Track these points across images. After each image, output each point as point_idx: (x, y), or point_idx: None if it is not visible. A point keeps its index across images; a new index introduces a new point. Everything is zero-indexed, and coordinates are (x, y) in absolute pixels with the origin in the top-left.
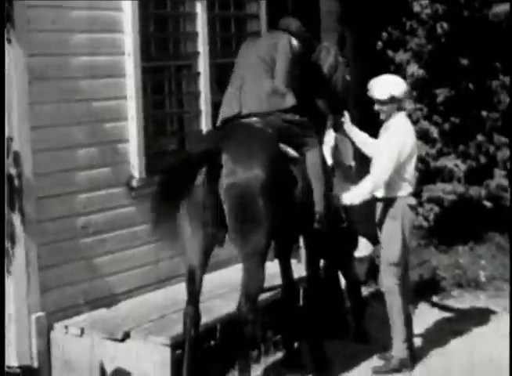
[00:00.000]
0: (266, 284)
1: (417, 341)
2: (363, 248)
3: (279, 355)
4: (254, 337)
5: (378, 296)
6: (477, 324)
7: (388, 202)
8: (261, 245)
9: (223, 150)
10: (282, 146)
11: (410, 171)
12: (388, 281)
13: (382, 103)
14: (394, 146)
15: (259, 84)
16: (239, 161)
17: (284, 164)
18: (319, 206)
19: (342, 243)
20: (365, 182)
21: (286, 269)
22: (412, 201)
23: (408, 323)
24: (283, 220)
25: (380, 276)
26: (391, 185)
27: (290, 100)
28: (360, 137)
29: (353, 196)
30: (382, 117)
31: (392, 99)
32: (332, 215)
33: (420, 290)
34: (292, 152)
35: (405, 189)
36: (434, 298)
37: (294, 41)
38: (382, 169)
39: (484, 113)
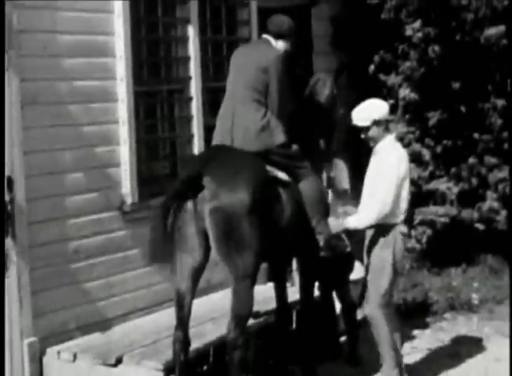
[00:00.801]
0: (260, 308)
1: (411, 365)
2: (357, 271)
3: None
4: (244, 361)
5: None
6: (471, 347)
7: (381, 229)
8: (248, 269)
9: (204, 173)
10: (270, 169)
11: (403, 197)
12: (374, 310)
13: (367, 129)
14: (390, 168)
15: (249, 118)
16: (222, 184)
17: (271, 187)
18: (323, 233)
19: (339, 266)
20: (371, 208)
21: (280, 292)
22: (404, 229)
23: (395, 348)
24: (272, 243)
25: (364, 302)
26: None
27: (279, 138)
28: None
29: (358, 220)
30: (371, 143)
31: (376, 123)
32: (334, 241)
33: (413, 312)
34: (282, 175)
35: (399, 216)
36: (427, 321)
37: (281, 44)
38: (386, 194)
39: (476, 135)
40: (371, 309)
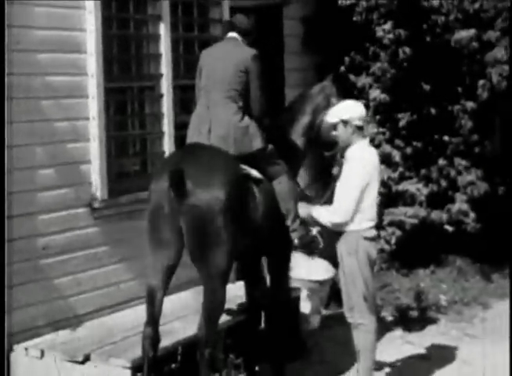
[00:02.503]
0: (229, 306)
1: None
2: (325, 271)
3: None
4: (214, 359)
5: (339, 319)
6: (439, 350)
7: (345, 236)
8: (221, 267)
9: (184, 171)
10: (244, 167)
11: (368, 203)
12: (364, 318)
13: (334, 127)
14: (353, 177)
15: (227, 121)
16: (198, 182)
17: (245, 185)
18: (298, 230)
19: None
20: (331, 212)
21: (250, 291)
22: (370, 233)
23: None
24: (245, 241)
25: (345, 311)
26: None
27: (257, 144)
28: None
29: (319, 214)
30: (341, 144)
31: (343, 123)
32: (308, 238)
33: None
34: (255, 173)
35: (360, 223)
36: (395, 322)
37: (244, 45)
38: (346, 203)
39: (445, 137)
40: (355, 317)
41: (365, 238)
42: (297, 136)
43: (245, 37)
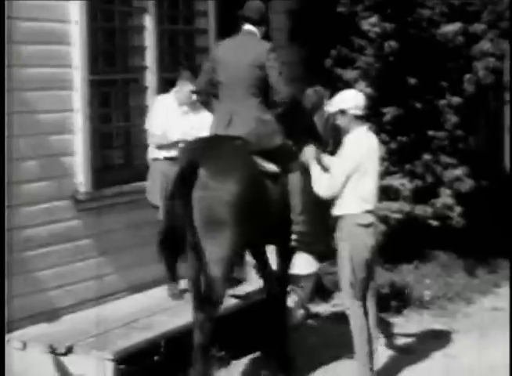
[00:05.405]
0: None
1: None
2: (309, 265)
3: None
4: (207, 346)
5: (323, 313)
6: (423, 344)
7: (340, 222)
8: (225, 256)
9: (201, 164)
10: (260, 161)
11: (366, 187)
12: (347, 302)
13: (334, 115)
14: (346, 157)
15: (250, 117)
16: (213, 176)
17: (260, 180)
18: (297, 226)
19: None
20: (323, 181)
21: (261, 274)
22: (364, 220)
23: (370, 343)
24: (255, 231)
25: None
26: (339, 201)
27: (277, 140)
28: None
29: (316, 178)
30: (341, 132)
31: (342, 112)
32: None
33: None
34: (271, 167)
35: (355, 207)
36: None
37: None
38: (336, 175)
39: (431, 132)
40: (342, 299)
41: (360, 225)
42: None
43: (259, 26)
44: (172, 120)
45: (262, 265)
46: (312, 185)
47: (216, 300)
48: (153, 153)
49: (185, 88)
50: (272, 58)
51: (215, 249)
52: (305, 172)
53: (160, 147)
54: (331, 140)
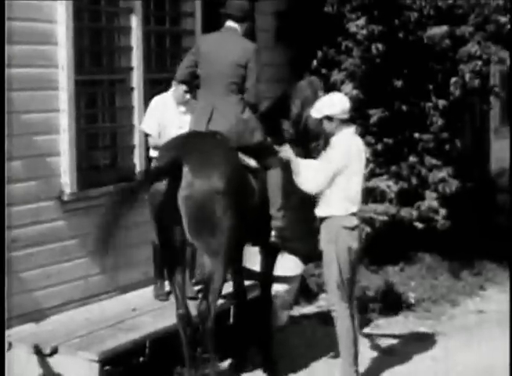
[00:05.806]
0: None
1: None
2: (294, 267)
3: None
4: (212, 333)
5: (307, 315)
6: (408, 346)
7: (325, 224)
8: (221, 253)
9: (184, 162)
10: (242, 157)
11: (351, 189)
12: (335, 304)
13: (320, 121)
14: (334, 156)
15: (230, 112)
16: (198, 173)
17: (243, 176)
18: (276, 221)
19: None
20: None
21: (236, 278)
22: (349, 223)
23: (355, 345)
24: (240, 230)
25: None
26: (325, 203)
27: (257, 136)
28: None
29: (297, 172)
30: (326, 136)
31: (328, 118)
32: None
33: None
34: (253, 163)
35: (341, 209)
36: (364, 319)
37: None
38: (321, 171)
39: (416, 134)
40: (328, 301)
41: (345, 227)
42: (288, 127)
43: (241, 24)
44: (170, 120)
45: (237, 268)
46: (294, 178)
47: (216, 290)
48: (151, 152)
49: (180, 87)
50: (255, 59)
51: (214, 243)
52: (285, 168)
53: (156, 148)
54: (315, 143)
